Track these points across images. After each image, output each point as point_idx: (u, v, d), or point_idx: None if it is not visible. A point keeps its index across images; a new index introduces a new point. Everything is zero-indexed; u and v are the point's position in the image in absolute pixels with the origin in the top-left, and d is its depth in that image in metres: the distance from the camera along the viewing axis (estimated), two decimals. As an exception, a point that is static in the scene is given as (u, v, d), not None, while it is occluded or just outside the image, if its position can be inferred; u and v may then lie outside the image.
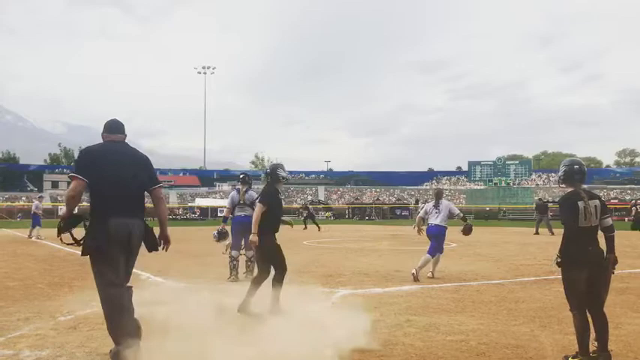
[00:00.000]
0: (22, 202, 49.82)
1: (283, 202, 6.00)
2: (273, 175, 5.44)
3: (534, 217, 24.58)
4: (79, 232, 3.76)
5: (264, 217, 5.18)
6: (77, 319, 4.99)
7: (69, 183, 3.87)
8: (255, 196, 8.02)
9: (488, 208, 49.59)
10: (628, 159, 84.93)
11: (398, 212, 53.97)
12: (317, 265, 9.66)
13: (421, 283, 7.43)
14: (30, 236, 17.64)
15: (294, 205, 52.35)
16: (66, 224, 3.69)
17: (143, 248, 3.91)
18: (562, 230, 3.82)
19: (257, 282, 5.16)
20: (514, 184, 62.60)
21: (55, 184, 58.76)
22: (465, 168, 69.18)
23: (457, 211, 8.30)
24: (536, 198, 32.72)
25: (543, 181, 63.09)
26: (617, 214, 44.65)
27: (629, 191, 57.59)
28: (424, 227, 8.31)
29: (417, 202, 56.85)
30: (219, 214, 40.68)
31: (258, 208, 5.22)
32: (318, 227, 23.62)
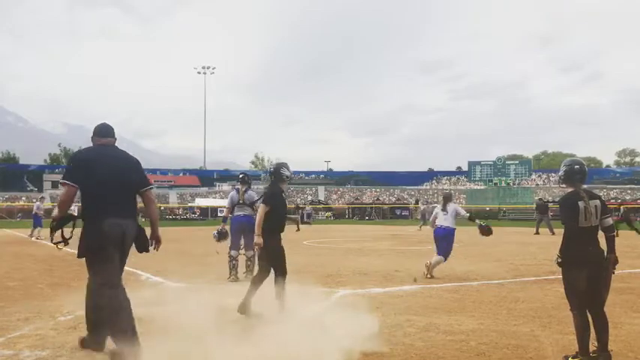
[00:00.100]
0: (22, 202, 49.79)
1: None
2: (277, 175, 5.35)
3: (535, 217, 24.57)
4: (70, 233, 3.84)
5: (267, 218, 5.10)
6: (77, 319, 4.98)
7: None
8: (254, 196, 8.02)
9: (488, 208, 49.55)
10: (628, 159, 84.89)
11: (398, 212, 53.95)
12: (317, 265, 9.65)
13: (421, 283, 7.43)
14: (31, 236, 17.68)
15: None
16: (58, 224, 3.79)
17: (133, 248, 3.95)
18: (562, 230, 3.83)
19: (257, 281, 5.14)
20: (514, 184, 62.56)
21: (55, 185, 58.56)
22: (465, 168, 69.11)
23: (462, 212, 8.35)
24: (536, 198, 32.72)
25: (543, 181, 63.04)
26: (617, 214, 44.62)
27: (629, 191, 57.58)
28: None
29: (417, 202, 56.78)
30: (219, 214, 40.65)
31: (262, 208, 5.15)
32: (298, 228, 23.12)
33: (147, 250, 4.01)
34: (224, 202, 8.60)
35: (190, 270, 8.59)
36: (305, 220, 24.92)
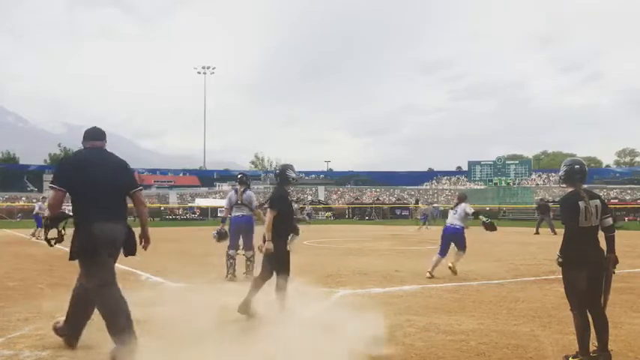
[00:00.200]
0: (22, 203, 49.80)
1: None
2: (283, 177, 5.24)
3: (536, 217, 24.56)
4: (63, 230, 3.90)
5: (274, 221, 5.03)
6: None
7: None
8: (252, 197, 8.01)
9: (488, 208, 49.49)
10: (628, 159, 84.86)
11: (398, 212, 53.93)
12: (317, 265, 9.65)
13: (421, 283, 7.44)
14: (33, 235, 17.68)
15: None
16: (52, 222, 3.85)
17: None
18: (563, 230, 3.83)
19: (259, 282, 5.10)
20: (514, 183, 62.56)
21: (55, 185, 58.62)
22: (465, 168, 69.12)
23: (468, 210, 8.42)
24: (537, 198, 32.71)
25: (543, 180, 63.03)
26: (617, 214, 44.63)
27: (629, 191, 57.59)
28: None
29: (417, 202, 56.79)
30: (219, 214, 40.63)
31: (269, 213, 5.04)
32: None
33: (133, 254, 4.07)
34: (224, 202, 8.58)
35: (190, 270, 8.58)
36: (301, 216, 24.24)
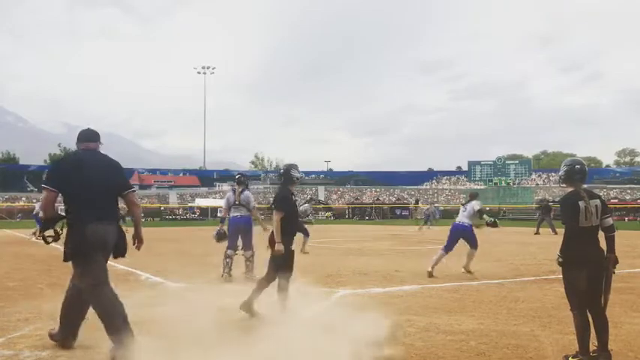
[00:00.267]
0: (22, 203, 49.79)
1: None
2: (287, 176, 5.19)
3: (536, 217, 24.56)
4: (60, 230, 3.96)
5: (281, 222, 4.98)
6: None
7: None
8: (250, 197, 8.00)
9: (488, 208, 49.51)
10: (628, 159, 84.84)
11: (398, 212, 53.97)
12: (317, 265, 9.65)
13: (421, 283, 7.43)
14: (35, 234, 17.68)
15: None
16: (48, 224, 3.93)
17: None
18: (563, 230, 3.83)
19: (263, 284, 5.05)
20: (514, 183, 62.57)
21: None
22: (465, 168, 69.11)
23: (477, 208, 8.51)
24: (537, 198, 32.72)
25: (543, 180, 63.03)
26: (617, 213, 44.65)
27: (629, 191, 57.59)
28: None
29: (417, 202, 56.79)
30: (218, 214, 40.67)
31: (276, 214, 4.99)
32: None
33: (123, 256, 4.11)
34: (222, 203, 8.59)
35: (190, 270, 8.58)
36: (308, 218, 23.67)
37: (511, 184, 62.35)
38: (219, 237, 7.93)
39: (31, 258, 10.91)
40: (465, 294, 6.58)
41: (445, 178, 68.53)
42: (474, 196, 8.78)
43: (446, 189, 64.48)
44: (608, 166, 77.54)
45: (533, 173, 65.81)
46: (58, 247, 4.05)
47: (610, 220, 3.75)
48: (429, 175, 70.17)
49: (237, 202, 7.96)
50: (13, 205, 49.96)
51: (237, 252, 7.92)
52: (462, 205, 8.78)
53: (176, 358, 3.59)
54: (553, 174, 60.41)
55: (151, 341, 3.73)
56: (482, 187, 62.66)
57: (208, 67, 69.11)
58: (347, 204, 58.39)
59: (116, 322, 3.69)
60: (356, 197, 61.86)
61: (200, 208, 50.55)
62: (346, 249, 13.98)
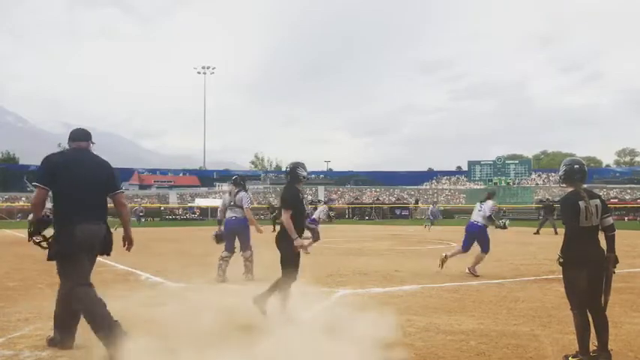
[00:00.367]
0: (22, 203, 49.78)
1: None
2: (293, 175, 5.13)
3: (538, 217, 24.57)
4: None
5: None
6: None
7: None
8: (244, 197, 7.96)
9: (502, 213, 49.64)
10: (628, 158, 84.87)
11: (398, 212, 53.98)
12: (317, 265, 9.65)
13: (421, 283, 7.43)
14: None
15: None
16: (35, 228, 3.94)
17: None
18: (564, 230, 3.83)
19: (280, 284, 4.95)
20: (514, 183, 62.59)
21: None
22: (464, 168, 69.12)
23: (488, 213, 8.48)
24: (536, 197, 32.73)
25: (543, 180, 63.03)
26: (617, 213, 44.67)
27: (629, 191, 57.60)
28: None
29: (416, 201, 56.80)
30: (218, 214, 40.69)
31: (285, 213, 4.93)
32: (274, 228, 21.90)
33: (108, 254, 4.13)
34: (220, 204, 8.60)
35: (190, 270, 8.58)
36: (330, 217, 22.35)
37: (511, 184, 62.36)
38: (218, 239, 7.95)
39: (31, 258, 10.91)
40: (465, 294, 6.58)
41: (445, 178, 68.53)
42: (491, 194, 8.68)
43: (446, 189, 64.50)
44: (608, 165, 77.57)
45: (533, 173, 65.82)
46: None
47: (610, 220, 3.75)
48: (429, 175, 70.18)
49: (232, 203, 7.98)
50: (13, 205, 49.96)
51: (234, 252, 7.89)
52: (480, 202, 8.66)
53: (176, 358, 3.59)
54: (553, 174, 60.42)
55: (151, 341, 3.72)
56: (482, 186, 62.67)
57: (208, 67, 69.13)
58: (347, 204, 58.40)
59: (97, 323, 3.71)
60: (356, 197, 61.87)
61: (200, 208, 50.55)
62: (346, 249, 13.98)
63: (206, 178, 68.10)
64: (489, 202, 8.51)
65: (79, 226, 3.79)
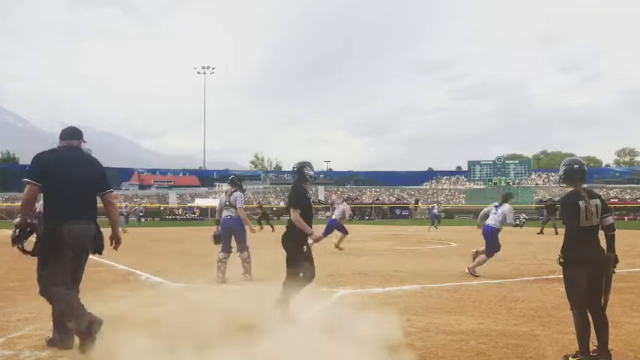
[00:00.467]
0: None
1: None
2: (300, 174, 5.09)
3: (541, 217, 24.53)
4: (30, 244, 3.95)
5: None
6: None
7: None
8: (239, 197, 7.95)
9: (522, 218, 49.62)
10: (628, 158, 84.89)
11: (398, 212, 54.00)
12: (317, 265, 9.62)
13: (421, 283, 7.43)
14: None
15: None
16: (20, 235, 3.92)
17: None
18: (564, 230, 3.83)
19: (297, 285, 4.92)
20: (514, 183, 62.60)
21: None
22: (464, 168, 69.14)
23: (510, 220, 8.38)
24: (536, 198, 32.71)
25: (543, 180, 63.05)
26: (617, 213, 44.67)
27: (629, 190, 57.62)
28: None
29: (416, 202, 56.81)
30: (216, 215, 40.68)
31: (294, 212, 4.88)
32: (272, 228, 21.39)
33: (100, 253, 4.13)
34: (217, 204, 8.62)
35: (190, 270, 8.57)
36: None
37: (511, 183, 62.38)
38: (216, 240, 7.96)
39: (31, 258, 10.88)
40: (465, 294, 6.58)
41: (445, 178, 68.57)
42: (507, 197, 8.53)
43: (446, 189, 64.51)
44: (607, 165, 77.59)
45: (533, 173, 65.86)
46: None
47: (610, 219, 3.75)
48: (429, 175, 70.22)
49: (227, 203, 7.99)
50: (13, 205, 49.89)
51: (230, 252, 7.86)
52: (495, 205, 8.51)
53: (176, 358, 3.59)
54: (553, 174, 60.43)
55: (150, 341, 3.72)
56: (481, 186, 62.70)
57: (208, 67, 69.18)
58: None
59: (69, 323, 3.73)
60: (356, 197, 61.87)
61: (200, 208, 50.54)
62: (346, 249, 13.97)
63: (206, 178, 68.13)
64: (506, 207, 8.36)
65: (66, 225, 3.79)
